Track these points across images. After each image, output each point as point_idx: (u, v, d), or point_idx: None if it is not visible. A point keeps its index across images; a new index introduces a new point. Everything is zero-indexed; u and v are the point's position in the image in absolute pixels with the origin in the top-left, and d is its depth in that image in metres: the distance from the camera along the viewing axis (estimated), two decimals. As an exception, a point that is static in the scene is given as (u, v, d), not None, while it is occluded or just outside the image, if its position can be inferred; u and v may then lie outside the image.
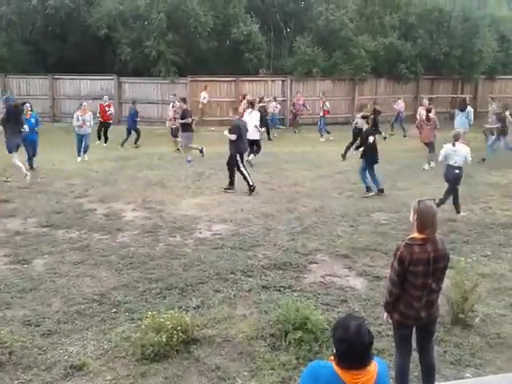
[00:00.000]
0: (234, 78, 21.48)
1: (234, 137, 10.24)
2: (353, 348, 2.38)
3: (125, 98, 21.25)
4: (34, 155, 12.46)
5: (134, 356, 4.54)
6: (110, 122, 16.79)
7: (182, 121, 13.53)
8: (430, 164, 12.96)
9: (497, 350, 4.80)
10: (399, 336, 3.97)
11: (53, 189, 10.52)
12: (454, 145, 8.85)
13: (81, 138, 13.66)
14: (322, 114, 18.24)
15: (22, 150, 11.84)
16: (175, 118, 14.64)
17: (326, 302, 5.60)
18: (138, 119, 16.72)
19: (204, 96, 20.08)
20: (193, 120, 14.07)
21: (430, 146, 13.04)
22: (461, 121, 14.33)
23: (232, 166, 10.50)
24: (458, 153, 8.77)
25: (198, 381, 4.29)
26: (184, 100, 14.85)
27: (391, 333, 4.32)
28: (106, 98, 16.75)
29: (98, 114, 16.25)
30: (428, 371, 4.04)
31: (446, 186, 9.18)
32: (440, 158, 9.24)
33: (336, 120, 20.68)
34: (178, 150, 14.70)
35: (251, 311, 5.39)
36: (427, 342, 4.02)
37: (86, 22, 21.33)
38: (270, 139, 17.50)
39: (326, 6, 21.95)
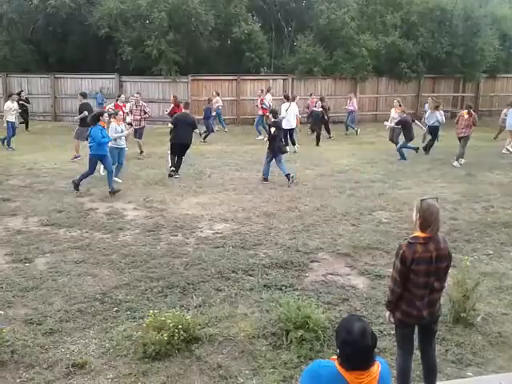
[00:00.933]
0: (236, 77, 21.48)
1: (170, 125, 12.10)
2: (357, 350, 2.39)
3: (126, 97, 21.18)
4: None
5: (136, 354, 4.54)
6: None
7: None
8: (459, 161, 13.07)
9: (498, 348, 4.79)
10: (401, 335, 3.97)
11: (54, 188, 10.53)
12: None
13: (117, 152, 11.09)
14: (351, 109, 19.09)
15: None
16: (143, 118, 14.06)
17: (328, 300, 5.60)
18: None
19: (217, 100, 19.19)
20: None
21: (465, 140, 13.15)
22: None
23: (174, 153, 11.78)
24: None
25: (199, 379, 4.29)
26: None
27: (393, 332, 4.32)
28: (122, 97, 16.05)
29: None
30: (430, 370, 4.04)
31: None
32: None
33: (339, 118, 20.67)
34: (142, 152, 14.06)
35: (253, 310, 5.39)
36: (429, 341, 4.02)
37: (87, 21, 21.33)
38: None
39: (328, 4, 21.91)
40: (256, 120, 18.32)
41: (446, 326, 5.05)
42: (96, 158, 10.16)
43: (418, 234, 3.73)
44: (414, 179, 11.47)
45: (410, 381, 4.00)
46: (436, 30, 22.62)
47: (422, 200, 3.74)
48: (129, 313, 5.30)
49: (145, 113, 14.05)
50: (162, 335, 4.49)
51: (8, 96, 16.10)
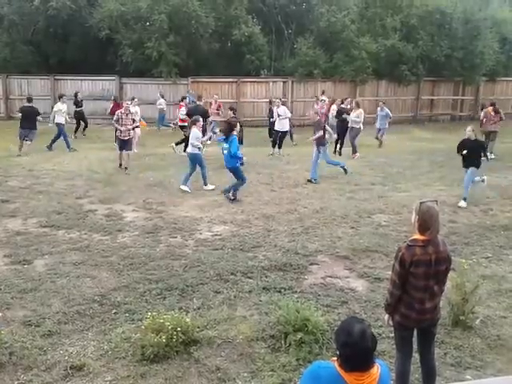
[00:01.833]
0: (235, 80, 21.52)
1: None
2: (357, 352, 2.39)
3: (126, 99, 21.22)
4: None
5: (134, 357, 4.54)
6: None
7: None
8: (491, 153, 13.53)
9: (497, 351, 4.79)
10: (400, 338, 3.97)
11: (53, 189, 10.53)
12: None
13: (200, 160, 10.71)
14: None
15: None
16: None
17: (327, 303, 5.59)
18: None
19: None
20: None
21: (494, 134, 14.51)
22: None
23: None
24: None
25: (197, 382, 4.29)
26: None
27: (392, 335, 4.32)
28: (136, 100, 15.94)
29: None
30: (428, 373, 4.04)
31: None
32: None
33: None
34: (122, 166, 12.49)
35: (251, 312, 5.39)
36: (428, 344, 4.02)
37: (87, 23, 21.37)
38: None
39: (328, 7, 21.98)
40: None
41: (445, 329, 5.05)
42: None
43: (417, 236, 3.73)
44: (414, 182, 11.47)
45: (408, 383, 4.00)
46: (436, 33, 22.68)
47: (421, 203, 3.75)
48: (127, 315, 5.30)
49: (133, 121, 12.78)
50: (160, 337, 4.49)
51: (59, 97, 16.09)
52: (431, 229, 3.68)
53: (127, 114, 12.39)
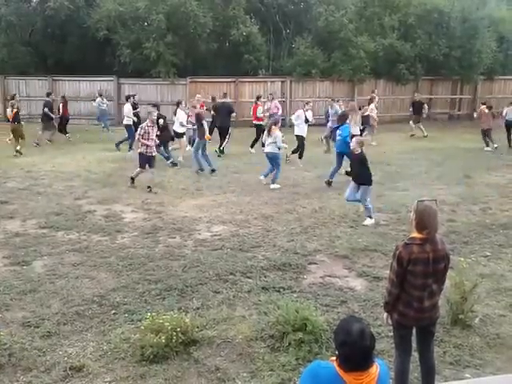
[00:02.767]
0: (234, 79, 21.51)
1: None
2: (355, 351, 2.39)
3: (124, 99, 21.24)
4: None
5: (134, 357, 4.53)
6: None
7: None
8: (492, 144, 15.56)
9: (496, 350, 4.79)
10: (399, 336, 3.97)
11: (52, 190, 10.52)
12: None
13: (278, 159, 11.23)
14: None
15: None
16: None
17: (326, 302, 5.59)
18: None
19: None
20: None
21: (489, 131, 15.64)
22: None
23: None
24: None
25: (197, 382, 4.29)
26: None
27: (391, 334, 4.32)
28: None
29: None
30: (428, 372, 4.04)
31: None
32: None
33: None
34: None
35: (251, 312, 5.39)
36: (427, 343, 4.02)
37: (85, 23, 21.34)
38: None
39: (326, 7, 21.98)
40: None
41: (444, 327, 5.05)
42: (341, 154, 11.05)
43: (415, 235, 3.74)
44: (412, 181, 11.47)
45: (407, 382, 4.01)
46: (434, 32, 22.69)
47: (419, 201, 3.76)
48: (126, 315, 5.30)
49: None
50: (159, 338, 4.49)
51: (126, 98, 16.12)
52: (429, 227, 3.69)
53: (153, 127, 10.91)
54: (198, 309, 5.44)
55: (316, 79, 22.05)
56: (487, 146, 15.74)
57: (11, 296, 5.70)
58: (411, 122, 18.78)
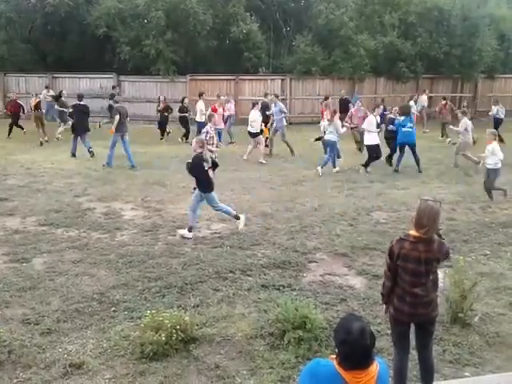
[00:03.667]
0: (234, 77, 21.48)
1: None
2: (355, 349, 2.39)
3: (125, 97, 21.21)
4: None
5: (133, 355, 4.54)
6: None
7: None
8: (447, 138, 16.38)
9: (496, 349, 4.80)
10: (396, 333, 3.99)
11: (52, 187, 10.51)
12: None
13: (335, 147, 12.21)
14: None
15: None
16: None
17: (325, 300, 5.60)
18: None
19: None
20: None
21: (447, 125, 16.42)
22: None
23: None
24: None
25: (197, 379, 4.29)
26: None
27: (390, 331, 4.32)
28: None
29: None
30: (427, 370, 4.05)
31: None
32: None
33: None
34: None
35: (250, 310, 5.39)
36: (426, 341, 4.03)
37: (85, 20, 21.32)
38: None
39: (326, 4, 21.96)
40: None
41: (444, 326, 5.05)
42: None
43: (412, 232, 3.76)
44: (412, 180, 11.48)
45: (406, 380, 4.01)
46: (434, 30, 22.68)
47: (422, 199, 3.77)
48: (126, 313, 5.30)
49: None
50: (159, 335, 4.49)
51: (199, 95, 16.22)
52: (426, 227, 3.69)
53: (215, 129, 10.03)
54: (197, 306, 5.44)
55: (316, 77, 22.02)
56: (442, 136, 17.32)
57: (11, 293, 5.69)
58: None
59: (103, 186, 10.57)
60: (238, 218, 7.86)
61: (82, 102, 14.17)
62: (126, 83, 21.66)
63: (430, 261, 3.73)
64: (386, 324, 4.48)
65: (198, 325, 4.93)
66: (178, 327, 4.58)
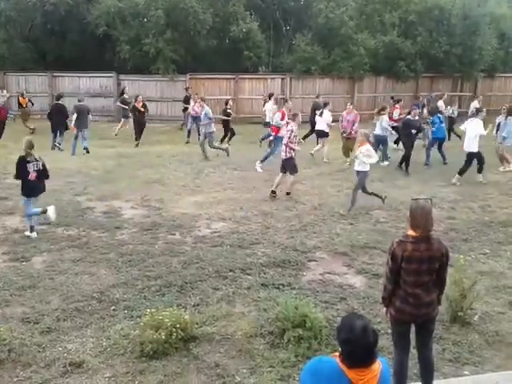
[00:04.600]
0: (234, 76, 21.47)
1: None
2: (358, 348, 2.41)
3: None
4: None
5: (133, 353, 4.54)
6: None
7: None
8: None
9: (495, 347, 4.81)
10: (397, 333, 3.99)
11: (51, 186, 10.42)
12: None
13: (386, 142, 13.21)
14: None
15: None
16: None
17: (325, 299, 5.60)
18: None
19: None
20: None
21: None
22: None
23: None
24: None
25: (196, 378, 4.30)
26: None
27: (391, 331, 4.33)
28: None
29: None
30: (427, 369, 4.05)
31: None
32: None
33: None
34: None
35: (250, 309, 5.40)
36: (426, 340, 4.03)
37: (85, 19, 21.30)
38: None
39: (326, 3, 21.94)
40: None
41: (443, 325, 5.06)
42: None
43: (411, 233, 3.77)
44: (412, 178, 11.48)
45: (406, 379, 4.02)
46: (434, 29, 22.66)
47: (412, 200, 3.79)
48: (126, 311, 5.30)
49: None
50: (159, 334, 4.50)
51: (269, 96, 16.21)
52: (422, 226, 3.71)
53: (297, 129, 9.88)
54: (197, 305, 5.44)
55: (316, 76, 22.00)
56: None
57: (11, 292, 5.70)
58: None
59: (103, 185, 10.56)
60: (45, 212, 7.66)
61: (59, 102, 15.06)
62: (125, 82, 21.59)
63: (432, 259, 3.74)
64: (387, 323, 4.48)
65: (197, 323, 4.94)
66: (178, 326, 4.59)
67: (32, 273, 6.23)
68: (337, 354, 2.51)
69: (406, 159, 12.18)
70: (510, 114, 12.50)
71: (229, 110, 16.03)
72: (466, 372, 4.46)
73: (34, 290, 5.76)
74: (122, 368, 4.39)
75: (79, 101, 15.06)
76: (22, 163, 7.57)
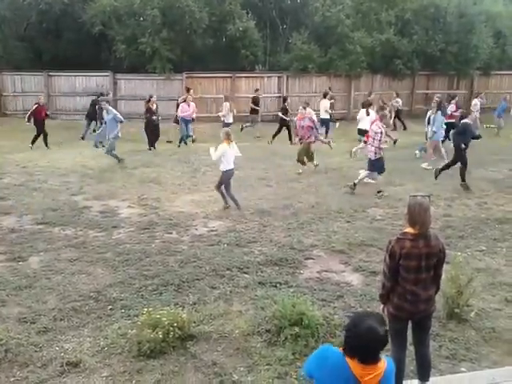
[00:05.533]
0: (230, 75, 21.43)
1: None
2: (359, 345, 2.45)
3: (121, 95, 21.18)
4: None
5: (131, 352, 4.54)
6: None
7: None
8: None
9: (492, 344, 4.82)
10: (394, 330, 3.98)
11: (48, 186, 10.49)
12: None
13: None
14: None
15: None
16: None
17: (322, 297, 5.61)
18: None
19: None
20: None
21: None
22: None
23: None
24: None
25: (194, 377, 4.29)
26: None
27: (388, 328, 4.33)
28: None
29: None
30: (423, 366, 4.07)
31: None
32: None
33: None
34: None
35: (247, 307, 5.40)
36: (423, 337, 4.04)
37: (80, 18, 21.20)
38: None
39: (323, 2, 21.92)
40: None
41: (440, 321, 5.07)
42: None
43: (408, 230, 3.77)
44: (409, 176, 11.49)
45: (403, 376, 4.02)
46: (430, 28, 22.68)
47: (410, 197, 3.79)
48: (123, 311, 5.30)
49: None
50: (156, 333, 4.49)
51: (324, 95, 16.70)
52: (420, 223, 3.70)
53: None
54: (194, 304, 5.44)
55: (313, 74, 21.99)
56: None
57: (7, 292, 5.68)
58: None
59: (99, 185, 10.55)
60: None
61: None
62: (121, 81, 21.56)
63: (430, 256, 3.74)
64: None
65: (195, 322, 4.93)
66: (175, 325, 4.58)
67: (28, 273, 6.21)
68: (342, 348, 2.56)
69: (463, 167, 10.43)
70: (439, 109, 12.63)
71: (287, 107, 16.54)
72: (462, 368, 4.48)
73: (30, 290, 5.75)
74: (120, 367, 4.38)
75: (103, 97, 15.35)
76: None
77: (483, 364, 4.53)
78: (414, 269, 3.73)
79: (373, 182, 10.29)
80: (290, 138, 16.31)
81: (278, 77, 22.03)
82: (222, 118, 16.16)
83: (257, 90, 19.02)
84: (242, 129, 17.38)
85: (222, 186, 8.91)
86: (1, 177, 11.21)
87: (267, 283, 5.94)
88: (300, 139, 12.06)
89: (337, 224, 8.15)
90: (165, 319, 4.57)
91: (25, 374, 4.28)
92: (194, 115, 15.88)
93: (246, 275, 6.18)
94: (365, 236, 7.53)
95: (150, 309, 4.80)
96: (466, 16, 22.81)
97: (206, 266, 6.39)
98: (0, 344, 4.53)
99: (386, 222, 8.22)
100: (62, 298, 5.58)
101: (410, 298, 3.78)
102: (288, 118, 16.42)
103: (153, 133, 15.15)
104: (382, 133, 9.78)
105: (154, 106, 15.37)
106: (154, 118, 15.10)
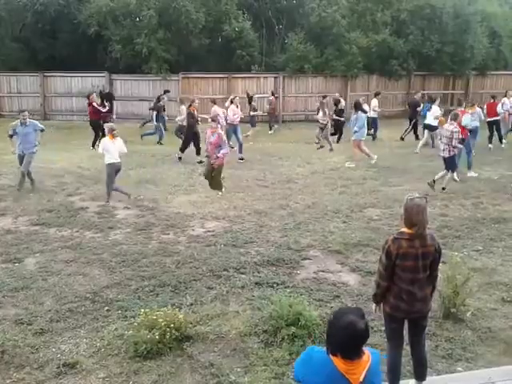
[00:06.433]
0: (226, 75, 21.43)
1: None
2: (339, 341, 2.46)
3: (117, 96, 21.10)
4: None
5: (127, 354, 4.53)
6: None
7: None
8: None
9: (488, 343, 4.84)
10: (390, 329, 4.01)
11: (44, 187, 10.45)
12: None
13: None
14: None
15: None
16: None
17: (319, 297, 5.62)
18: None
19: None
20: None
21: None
22: None
23: None
24: None
25: (191, 378, 4.29)
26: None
27: (384, 328, 4.34)
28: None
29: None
30: (420, 365, 4.07)
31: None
32: None
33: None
34: None
35: (244, 308, 5.40)
36: (419, 336, 4.05)
37: (76, 19, 21.17)
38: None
39: (319, 2, 21.96)
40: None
41: (436, 321, 5.09)
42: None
43: (404, 230, 3.77)
44: (405, 176, 11.51)
45: (399, 376, 4.04)
46: (426, 28, 22.75)
47: (407, 197, 3.79)
48: (120, 312, 5.29)
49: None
50: (153, 334, 4.49)
51: (375, 95, 17.10)
52: (417, 224, 3.71)
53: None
54: (191, 305, 5.44)
55: (309, 75, 22.02)
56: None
57: (3, 293, 5.67)
58: None
59: (95, 185, 10.52)
60: None
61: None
62: (117, 82, 21.53)
63: (426, 255, 3.76)
64: (380, 320, 4.50)
65: (191, 323, 4.93)
66: (172, 325, 4.58)
67: (25, 274, 6.19)
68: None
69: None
70: (359, 109, 13.02)
71: (342, 108, 16.71)
72: (459, 368, 4.49)
73: (26, 292, 5.73)
74: (116, 368, 4.37)
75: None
76: None
77: (479, 363, 4.54)
78: (410, 268, 3.74)
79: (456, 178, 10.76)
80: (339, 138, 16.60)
81: (275, 77, 22.04)
82: (179, 123, 14.20)
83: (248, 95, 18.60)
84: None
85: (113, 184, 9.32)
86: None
87: (264, 283, 5.94)
88: (207, 157, 10.03)
89: (333, 224, 8.16)
90: (161, 320, 4.57)
91: (21, 375, 4.27)
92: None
93: (242, 276, 6.18)
94: (361, 236, 7.54)
95: (147, 310, 4.80)
96: (461, 16, 22.89)
97: (202, 267, 6.39)
98: (-4, 346, 4.52)
99: (383, 222, 8.24)
100: (58, 299, 5.57)
101: (406, 297, 3.79)
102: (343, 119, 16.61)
103: (189, 139, 13.34)
104: (458, 132, 10.14)
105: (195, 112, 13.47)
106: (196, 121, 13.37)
